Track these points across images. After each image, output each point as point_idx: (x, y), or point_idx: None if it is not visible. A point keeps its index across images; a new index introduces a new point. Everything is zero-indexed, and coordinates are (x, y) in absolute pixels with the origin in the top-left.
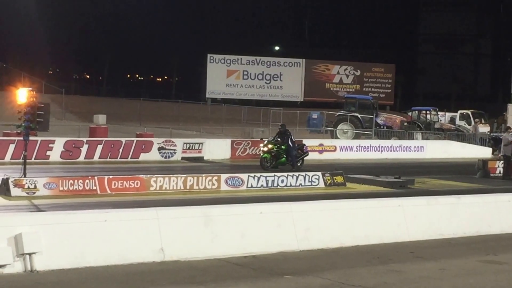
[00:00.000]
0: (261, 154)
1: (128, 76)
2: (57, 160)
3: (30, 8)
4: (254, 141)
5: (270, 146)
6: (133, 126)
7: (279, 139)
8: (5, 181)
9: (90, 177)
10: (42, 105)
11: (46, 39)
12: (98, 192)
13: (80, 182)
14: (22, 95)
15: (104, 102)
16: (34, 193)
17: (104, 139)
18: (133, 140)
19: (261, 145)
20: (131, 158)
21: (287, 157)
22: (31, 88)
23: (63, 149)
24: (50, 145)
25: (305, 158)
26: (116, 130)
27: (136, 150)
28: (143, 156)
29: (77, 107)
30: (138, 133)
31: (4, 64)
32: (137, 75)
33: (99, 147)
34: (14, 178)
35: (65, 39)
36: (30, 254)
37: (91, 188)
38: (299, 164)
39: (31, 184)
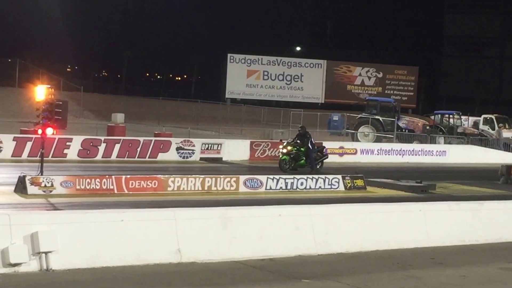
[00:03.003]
0: (280, 156)
1: (147, 74)
2: (74, 159)
3: (50, 5)
4: (273, 142)
5: (289, 148)
6: (152, 125)
7: (298, 141)
8: (22, 179)
9: (107, 176)
10: (60, 102)
11: (65, 36)
12: (115, 191)
13: (97, 181)
14: (40, 92)
15: (122, 100)
16: (51, 191)
17: (122, 138)
18: (151, 140)
19: (280, 146)
20: (149, 157)
21: (307, 159)
22: (49, 86)
23: (81, 148)
24: (68, 143)
25: (324, 160)
26: (134, 129)
27: (154, 149)
28: (161, 156)
29: (95, 105)
30: (156, 132)
31: (23, 61)
32: (156, 74)
33: (117, 146)
34: (31, 176)
35: (85, 36)
36: (46, 252)
37: (108, 187)
38: (318, 167)
39: (48, 182)
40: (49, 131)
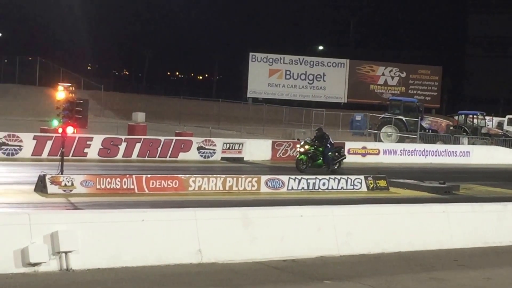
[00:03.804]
0: (297, 156)
1: (168, 73)
2: (95, 158)
3: (70, 3)
4: (295, 142)
5: (307, 147)
6: (173, 124)
7: (316, 142)
8: (42, 178)
9: (127, 175)
10: (81, 101)
11: (86, 34)
12: (136, 191)
13: (118, 181)
14: (61, 91)
15: (143, 99)
16: (71, 190)
17: (143, 137)
18: (172, 139)
19: (298, 145)
20: (169, 157)
21: (324, 159)
22: (70, 84)
23: (101, 147)
24: (88, 142)
25: (346, 161)
26: (155, 129)
27: (175, 149)
28: (182, 156)
29: (116, 104)
30: (177, 132)
31: (43, 60)
32: (177, 73)
33: (138, 146)
34: (51, 175)
35: (106, 34)
36: (66, 252)
37: (128, 187)
38: (336, 167)
39: (68, 182)
40: (70, 130)
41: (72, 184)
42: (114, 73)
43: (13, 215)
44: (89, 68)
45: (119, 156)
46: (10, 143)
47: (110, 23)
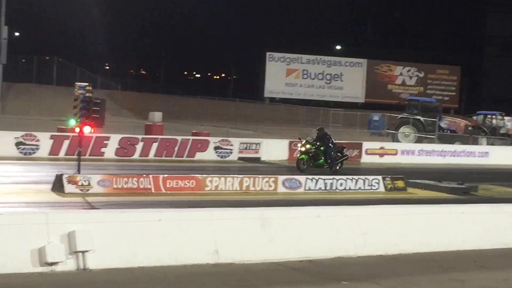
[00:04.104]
0: (298, 155)
1: (185, 73)
2: (112, 157)
3: (87, 3)
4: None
5: (308, 146)
6: (189, 124)
7: (318, 143)
8: (59, 177)
9: (144, 175)
10: (98, 101)
11: (103, 33)
12: (153, 190)
13: (135, 180)
14: (78, 90)
15: (160, 99)
16: (88, 190)
17: (160, 137)
18: (189, 139)
19: (299, 145)
20: (186, 157)
21: (326, 159)
22: (87, 83)
23: (118, 146)
24: (105, 142)
25: (362, 161)
26: (172, 128)
27: (192, 149)
28: (198, 155)
29: (133, 103)
30: (194, 131)
31: (60, 59)
32: (194, 73)
33: (154, 145)
34: (68, 175)
35: (123, 34)
36: (83, 252)
37: (145, 186)
38: (338, 167)
39: (85, 181)
40: (87, 129)
41: (89, 184)
42: (131, 72)
43: (30, 214)
44: (106, 68)
45: (136, 155)
46: (27, 142)
47: (127, 23)
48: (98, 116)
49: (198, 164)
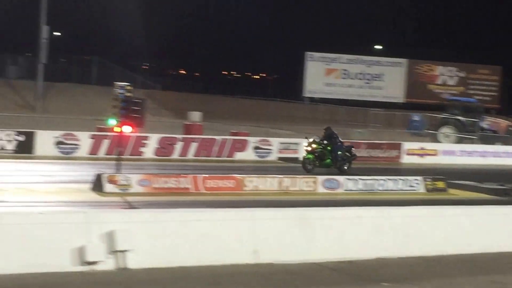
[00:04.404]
0: (304, 155)
1: (225, 73)
2: (151, 157)
3: (127, 3)
4: (353, 142)
5: (314, 145)
6: (229, 124)
7: (325, 143)
8: (99, 177)
9: (184, 175)
10: (139, 100)
11: (142, 33)
12: (192, 190)
13: (174, 180)
14: (118, 90)
15: (199, 99)
16: (127, 189)
17: (199, 136)
18: (228, 139)
19: (305, 144)
20: (225, 156)
21: (333, 159)
22: (127, 83)
23: (157, 146)
24: (144, 142)
25: (402, 161)
26: (211, 128)
27: (231, 148)
28: (238, 155)
29: (172, 103)
30: (233, 131)
31: (100, 59)
32: (233, 72)
33: (194, 145)
34: (107, 174)
35: (162, 33)
36: (122, 251)
37: (184, 186)
38: (346, 168)
39: (125, 181)
40: (127, 129)
41: (129, 183)
42: (170, 72)
43: (71, 213)
44: (146, 67)
45: (175, 155)
46: (67, 142)
47: (167, 22)
48: (138, 115)
49: (237, 164)
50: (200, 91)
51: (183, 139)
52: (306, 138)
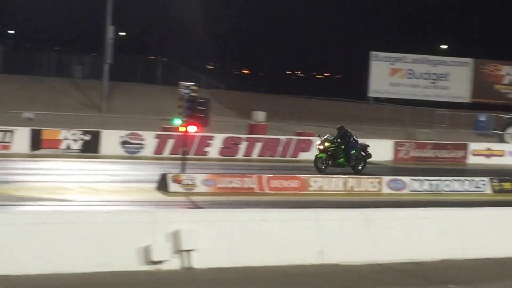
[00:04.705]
0: (316, 154)
1: (289, 72)
2: (215, 157)
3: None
4: (418, 143)
5: (326, 144)
6: (293, 124)
7: (338, 141)
8: (164, 176)
9: (248, 175)
10: (203, 100)
11: (206, 33)
12: (256, 190)
13: (239, 180)
14: (183, 90)
15: (263, 98)
16: (192, 189)
17: (263, 136)
18: (293, 139)
19: (317, 142)
20: (290, 156)
21: (346, 158)
22: (192, 83)
23: (222, 146)
24: (209, 141)
25: (468, 162)
26: (276, 128)
27: (295, 148)
28: (302, 155)
29: (236, 103)
30: (297, 131)
31: (165, 59)
32: (297, 72)
33: (258, 145)
34: (172, 174)
35: (226, 33)
36: (188, 251)
37: (249, 186)
38: (360, 167)
39: (190, 181)
40: (192, 128)
41: (194, 183)
42: (234, 72)
43: (137, 213)
44: (209, 67)
45: (240, 155)
46: (132, 141)
47: (230, 22)
48: (203, 115)
49: (301, 164)
50: (264, 90)
51: (248, 139)
52: (319, 136)
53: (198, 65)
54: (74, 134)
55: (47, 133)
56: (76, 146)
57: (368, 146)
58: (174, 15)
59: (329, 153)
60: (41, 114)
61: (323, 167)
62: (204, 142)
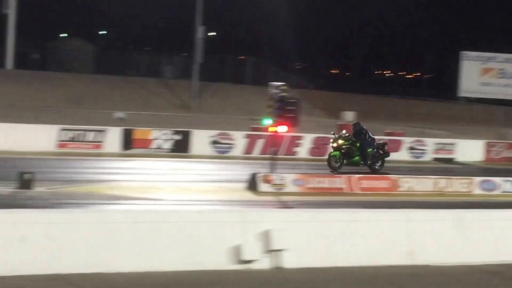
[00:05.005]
0: (330, 152)
1: (378, 72)
2: (304, 157)
3: (281, 4)
4: (510, 143)
5: (340, 142)
6: (383, 124)
7: (353, 139)
8: (254, 176)
9: (338, 175)
10: (293, 100)
11: (295, 33)
12: (346, 190)
13: (328, 180)
14: (273, 90)
15: (352, 98)
16: (282, 189)
17: None
18: (383, 139)
19: (331, 140)
20: None
21: (362, 156)
22: (282, 83)
23: (311, 146)
24: (298, 142)
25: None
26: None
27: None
28: (392, 155)
29: (325, 103)
30: (387, 131)
31: (254, 59)
32: (386, 72)
33: None
34: (262, 174)
35: (314, 33)
36: (278, 250)
37: (339, 186)
38: (377, 166)
39: (279, 180)
40: (282, 128)
41: (283, 183)
42: (322, 72)
43: (227, 212)
44: (298, 67)
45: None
46: (222, 141)
47: (319, 22)
48: (293, 115)
49: (391, 164)
50: (352, 90)
51: None
52: (333, 133)
53: (286, 65)
54: (165, 133)
55: (138, 133)
56: (167, 145)
57: (386, 144)
58: (263, 15)
59: (343, 151)
60: (132, 114)
61: (337, 166)
62: (293, 142)
